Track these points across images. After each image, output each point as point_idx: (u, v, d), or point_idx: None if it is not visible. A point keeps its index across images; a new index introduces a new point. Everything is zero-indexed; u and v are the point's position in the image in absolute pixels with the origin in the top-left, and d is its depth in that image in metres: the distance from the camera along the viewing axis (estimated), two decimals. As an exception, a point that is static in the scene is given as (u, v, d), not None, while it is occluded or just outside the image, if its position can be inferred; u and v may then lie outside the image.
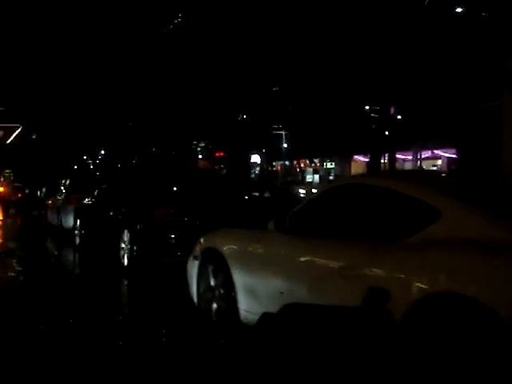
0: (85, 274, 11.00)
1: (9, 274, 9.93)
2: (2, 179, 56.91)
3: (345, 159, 61.34)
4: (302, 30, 43.78)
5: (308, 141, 55.76)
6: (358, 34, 39.83)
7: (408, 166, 57.36)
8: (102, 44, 46.52)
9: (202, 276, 6.19)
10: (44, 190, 25.11)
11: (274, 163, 67.47)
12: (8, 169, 59.86)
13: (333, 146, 56.88)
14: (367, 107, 53.14)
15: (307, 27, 43.24)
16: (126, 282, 9.88)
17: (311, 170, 66.02)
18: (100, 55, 45.54)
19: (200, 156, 73.39)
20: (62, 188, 18.98)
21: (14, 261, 11.38)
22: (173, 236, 9.67)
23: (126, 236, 10.65)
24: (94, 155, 69.45)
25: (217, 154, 73.91)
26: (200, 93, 49.11)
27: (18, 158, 55.13)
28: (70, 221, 16.47)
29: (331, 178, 61.67)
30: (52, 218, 18.76)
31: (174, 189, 11.06)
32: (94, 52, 45.36)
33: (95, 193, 14.26)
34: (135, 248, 10.14)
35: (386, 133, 53.18)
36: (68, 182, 18.42)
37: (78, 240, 14.19)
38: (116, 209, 11.51)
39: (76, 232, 14.33)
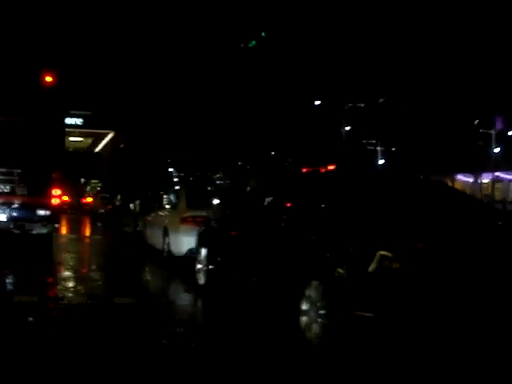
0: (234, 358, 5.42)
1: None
2: (88, 189, 53.77)
3: (445, 178, 55.28)
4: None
5: (405, 157, 50.17)
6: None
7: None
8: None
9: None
10: (138, 202, 20.73)
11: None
12: (94, 179, 56.47)
13: (432, 164, 50.75)
14: (476, 121, 47.20)
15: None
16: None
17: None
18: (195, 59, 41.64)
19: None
20: (167, 202, 14.46)
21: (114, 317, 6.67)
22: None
23: (314, 291, 5.78)
24: (180, 166, 65.84)
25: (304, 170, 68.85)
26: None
27: (107, 167, 51.32)
28: (182, 246, 11.97)
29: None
30: (154, 239, 14.17)
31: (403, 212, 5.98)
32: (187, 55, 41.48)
33: (229, 211, 9.59)
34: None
35: (496, 150, 47.15)
36: (176, 194, 13.78)
37: (202, 278, 9.42)
38: (289, 240, 6.64)
39: (199, 266, 9.57)
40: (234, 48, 49.05)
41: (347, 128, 42.31)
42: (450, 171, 51.97)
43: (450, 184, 54.72)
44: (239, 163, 48.13)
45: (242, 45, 45.98)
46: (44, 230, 12.87)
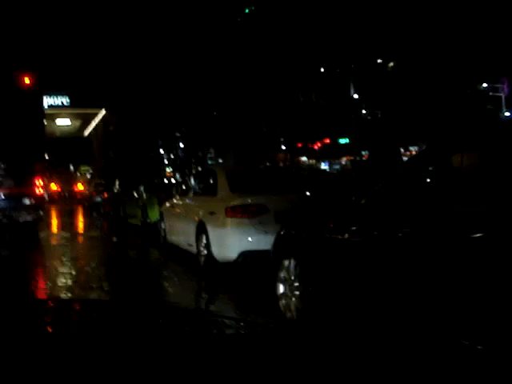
0: None
1: None
2: (78, 176, 48.76)
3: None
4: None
5: (407, 126, 46.34)
6: None
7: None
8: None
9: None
10: (142, 188, 16.65)
11: (362, 152, 58.00)
12: (84, 164, 51.47)
13: (435, 131, 46.89)
14: (485, 84, 43.46)
15: None
16: None
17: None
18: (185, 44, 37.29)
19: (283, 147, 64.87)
20: (196, 186, 10.46)
21: None
22: None
23: None
24: (169, 148, 61.72)
25: (299, 145, 65.31)
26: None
27: (98, 151, 46.43)
28: (232, 248, 8.20)
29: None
30: (180, 236, 10.16)
31: None
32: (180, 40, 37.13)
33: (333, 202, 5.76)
34: None
35: (507, 114, 43.53)
36: (210, 176, 9.72)
37: (291, 308, 5.50)
38: None
39: (283, 289, 5.64)
40: (227, 22, 44.80)
41: (355, 96, 38.19)
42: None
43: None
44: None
45: (238, 19, 41.56)
46: (29, 218, 13.78)
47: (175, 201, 10.88)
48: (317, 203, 8.02)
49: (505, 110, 43.11)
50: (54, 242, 14.18)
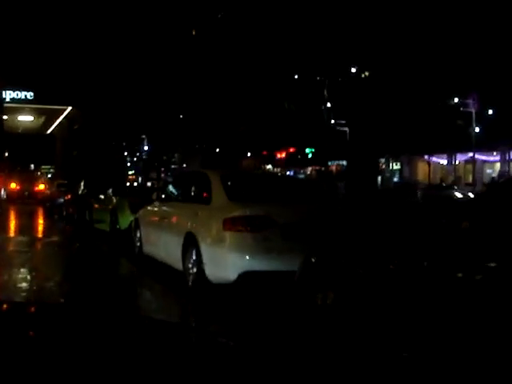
0: None
1: None
2: (39, 175, 46.07)
3: (413, 159, 51.05)
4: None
5: (374, 138, 45.55)
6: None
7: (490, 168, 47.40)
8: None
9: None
10: (110, 192, 15.06)
11: (329, 163, 57.06)
12: (47, 164, 48.81)
13: (403, 144, 46.26)
14: (456, 100, 43.05)
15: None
16: None
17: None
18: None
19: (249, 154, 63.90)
20: (182, 191, 8.94)
21: None
22: None
23: None
24: (134, 151, 59.86)
25: (264, 153, 64.40)
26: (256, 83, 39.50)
27: (62, 151, 43.74)
28: (231, 268, 6.75)
29: (396, 180, 51.61)
30: (161, 249, 8.65)
31: None
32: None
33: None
34: None
35: (477, 129, 43.22)
36: (201, 179, 8.21)
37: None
38: None
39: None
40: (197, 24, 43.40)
41: (328, 105, 37.12)
42: (425, 152, 47.89)
43: (421, 164, 50.91)
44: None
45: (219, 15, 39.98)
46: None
47: (154, 207, 9.36)
48: (349, 223, 6.66)
49: (475, 125, 42.76)
50: (9, 247, 12.43)
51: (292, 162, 61.24)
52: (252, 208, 6.71)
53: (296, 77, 35.95)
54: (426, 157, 48.50)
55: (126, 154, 61.20)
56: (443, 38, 39.95)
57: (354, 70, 36.44)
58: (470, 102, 44.11)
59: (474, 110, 43.25)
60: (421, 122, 43.45)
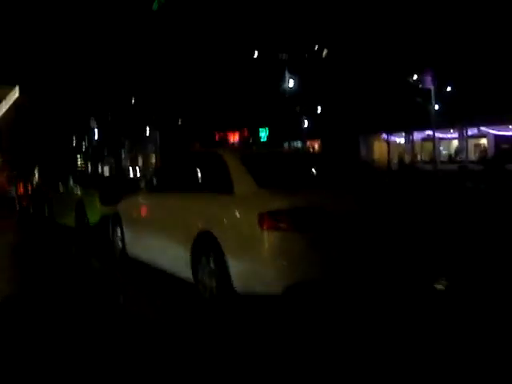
0: None
1: None
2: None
3: (370, 138, 49.94)
4: None
5: (332, 118, 44.30)
6: None
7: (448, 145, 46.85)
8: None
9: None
10: (71, 181, 12.89)
11: (284, 144, 55.47)
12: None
13: (360, 123, 45.16)
14: (415, 77, 42.05)
15: None
16: None
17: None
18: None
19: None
20: (186, 176, 6.87)
21: None
22: None
23: None
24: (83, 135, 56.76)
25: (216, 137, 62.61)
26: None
27: (8, 136, 39.93)
28: (272, 282, 4.78)
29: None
30: (156, 253, 6.72)
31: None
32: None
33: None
34: None
35: (437, 107, 42.42)
36: (213, 161, 6.22)
37: None
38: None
39: None
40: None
41: (291, 84, 35.21)
42: (384, 130, 46.89)
43: (377, 143, 49.93)
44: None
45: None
46: None
47: (144, 198, 7.36)
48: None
49: (434, 102, 41.86)
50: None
51: (245, 145, 59.50)
52: (298, 197, 4.85)
53: (256, 55, 34.01)
54: (385, 135, 47.50)
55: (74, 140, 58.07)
56: (400, 15, 38.87)
57: (315, 48, 34.70)
58: (428, 78, 43.21)
59: (432, 87, 42.33)
60: (379, 100, 42.38)
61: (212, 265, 5.31)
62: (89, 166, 59.97)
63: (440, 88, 42.53)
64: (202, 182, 6.15)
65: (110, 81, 36.09)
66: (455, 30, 37.03)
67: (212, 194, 5.69)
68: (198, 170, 6.21)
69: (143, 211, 7.29)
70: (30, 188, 16.81)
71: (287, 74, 34.01)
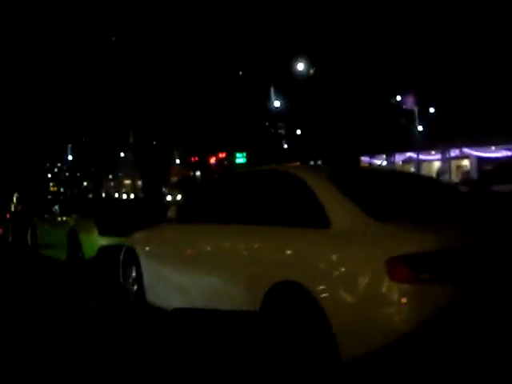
0: None
1: None
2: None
3: (351, 162, 48.95)
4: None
5: (310, 140, 43.35)
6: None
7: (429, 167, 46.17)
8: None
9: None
10: (62, 207, 11.12)
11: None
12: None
13: (334, 148, 44.13)
14: (399, 98, 41.43)
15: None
16: None
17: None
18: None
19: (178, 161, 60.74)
20: (218, 211, 5.16)
21: None
22: None
23: None
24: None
25: (193, 159, 61.49)
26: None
27: None
28: None
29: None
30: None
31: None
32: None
33: None
34: None
35: (420, 128, 41.82)
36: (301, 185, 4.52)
37: None
38: None
39: None
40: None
41: (276, 104, 33.85)
42: (365, 153, 46.12)
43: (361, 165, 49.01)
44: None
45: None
46: None
47: (175, 231, 5.67)
48: None
49: (417, 123, 41.24)
50: None
51: (223, 168, 58.24)
52: (446, 234, 3.28)
53: (240, 73, 32.64)
54: (367, 158, 46.71)
55: (47, 164, 55.93)
56: (383, 36, 38.23)
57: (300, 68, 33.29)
58: (410, 99, 42.84)
59: (415, 109, 41.79)
60: (362, 122, 41.57)
61: (301, 328, 3.68)
62: (61, 189, 57.75)
63: (422, 109, 42.03)
64: (272, 212, 4.45)
65: (83, 105, 34.31)
66: (438, 52, 36.57)
67: (293, 229, 4.05)
68: (266, 196, 4.55)
69: (173, 248, 5.57)
70: (8, 215, 14.88)
71: (272, 94, 32.70)
